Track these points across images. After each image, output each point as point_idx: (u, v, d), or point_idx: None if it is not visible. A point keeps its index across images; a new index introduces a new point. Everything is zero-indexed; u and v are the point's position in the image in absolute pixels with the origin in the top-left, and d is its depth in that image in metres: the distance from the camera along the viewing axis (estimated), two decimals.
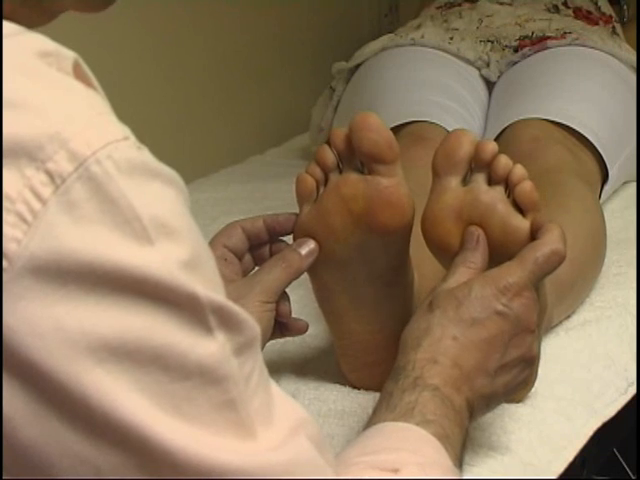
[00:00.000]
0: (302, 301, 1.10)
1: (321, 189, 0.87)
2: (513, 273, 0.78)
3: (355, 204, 0.84)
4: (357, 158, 0.84)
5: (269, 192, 1.63)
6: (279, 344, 1.01)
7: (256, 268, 0.92)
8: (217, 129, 1.99)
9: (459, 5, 1.78)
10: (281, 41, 2.17)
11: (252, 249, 0.91)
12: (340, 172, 0.86)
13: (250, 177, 1.78)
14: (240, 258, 0.90)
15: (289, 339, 1.00)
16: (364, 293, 0.89)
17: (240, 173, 1.83)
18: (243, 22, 2.04)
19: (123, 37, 1.72)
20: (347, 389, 0.97)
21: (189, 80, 1.92)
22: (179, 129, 1.87)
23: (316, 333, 1.07)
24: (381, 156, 0.83)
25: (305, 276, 0.90)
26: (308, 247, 0.87)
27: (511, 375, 0.78)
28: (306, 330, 0.93)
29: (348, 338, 0.93)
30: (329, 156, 0.86)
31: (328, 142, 0.87)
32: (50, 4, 0.59)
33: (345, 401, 0.95)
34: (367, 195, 0.84)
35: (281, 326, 0.91)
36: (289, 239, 0.90)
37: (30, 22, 0.57)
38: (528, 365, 0.79)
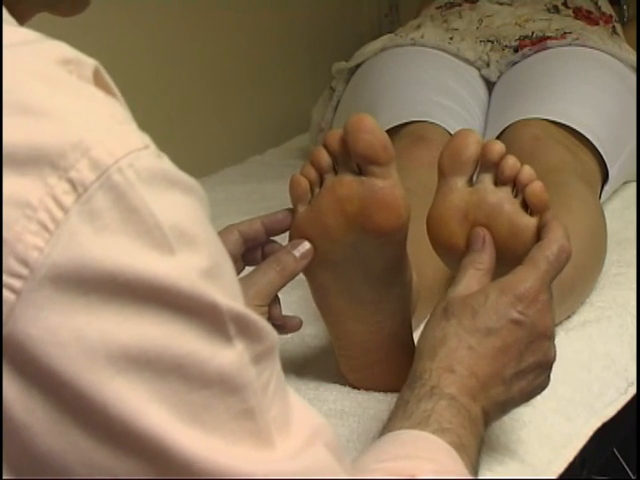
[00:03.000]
0: (301, 301, 1.10)
1: (316, 190, 0.86)
2: (528, 277, 0.78)
3: (350, 205, 0.84)
4: (352, 159, 0.84)
5: (268, 192, 1.63)
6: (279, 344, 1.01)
7: (246, 269, 0.91)
8: (217, 129, 1.99)
9: (459, 5, 1.78)
10: (281, 41, 2.17)
11: (248, 251, 0.91)
12: (335, 173, 0.86)
13: (250, 177, 1.78)
14: (235, 262, 0.90)
15: (289, 339, 1.00)
16: (361, 293, 0.89)
17: (240, 173, 1.83)
18: (243, 22, 2.04)
19: (122, 37, 1.72)
20: (347, 389, 0.97)
21: (189, 80, 1.92)
22: (179, 129, 1.87)
23: (316, 333, 1.07)
24: (376, 157, 0.82)
25: (304, 276, 0.90)
26: (303, 249, 0.86)
27: (527, 380, 0.78)
28: (300, 327, 0.92)
29: (346, 338, 0.93)
30: (324, 157, 0.85)
31: (324, 143, 0.87)
32: (20, 8, 0.58)
33: (345, 401, 0.95)
34: (362, 196, 0.83)
35: (274, 327, 0.90)
36: (283, 239, 0.90)
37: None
38: (544, 370, 0.79)
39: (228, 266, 0.53)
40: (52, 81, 0.49)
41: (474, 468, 0.72)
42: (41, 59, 0.50)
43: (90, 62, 0.52)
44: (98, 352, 0.47)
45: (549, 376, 0.81)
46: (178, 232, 0.49)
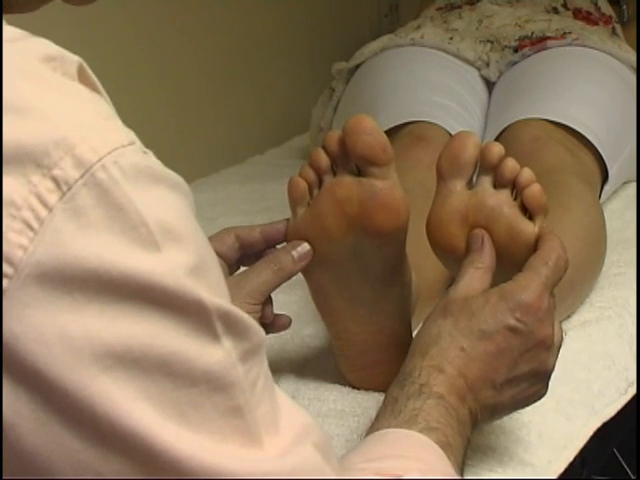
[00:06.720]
0: (301, 301, 1.10)
1: (315, 192, 0.86)
2: (530, 284, 0.77)
3: (349, 206, 0.84)
4: (351, 161, 0.84)
5: (268, 192, 1.63)
6: (279, 344, 1.01)
7: (240, 267, 0.91)
8: (217, 129, 1.99)
9: (459, 7, 1.78)
10: (281, 41, 2.17)
11: (244, 257, 0.90)
12: (334, 175, 0.86)
13: (250, 177, 1.78)
14: (230, 265, 0.90)
15: (289, 339, 1.00)
16: (361, 294, 0.89)
17: (240, 173, 1.83)
18: (243, 22, 2.04)
19: (122, 37, 1.72)
20: (347, 389, 0.97)
21: (189, 80, 1.92)
22: (179, 129, 1.87)
23: (316, 333, 1.07)
24: (375, 159, 0.82)
25: (303, 277, 0.90)
26: (302, 250, 0.86)
27: (520, 388, 0.78)
28: (289, 324, 0.92)
29: (346, 338, 0.93)
30: (323, 159, 0.85)
31: (323, 145, 0.86)
32: None
33: (345, 401, 0.95)
34: (361, 197, 0.83)
35: (264, 325, 0.90)
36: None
37: (15, 9, 0.57)
38: (540, 379, 0.79)
39: (214, 264, 0.53)
40: (36, 78, 0.49)
41: (459, 467, 0.72)
42: (25, 57, 0.50)
43: (74, 59, 0.52)
44: (83, 350, 0.47)
45: (546, 386, 0.80)
46: (164, 229, 0.49)
